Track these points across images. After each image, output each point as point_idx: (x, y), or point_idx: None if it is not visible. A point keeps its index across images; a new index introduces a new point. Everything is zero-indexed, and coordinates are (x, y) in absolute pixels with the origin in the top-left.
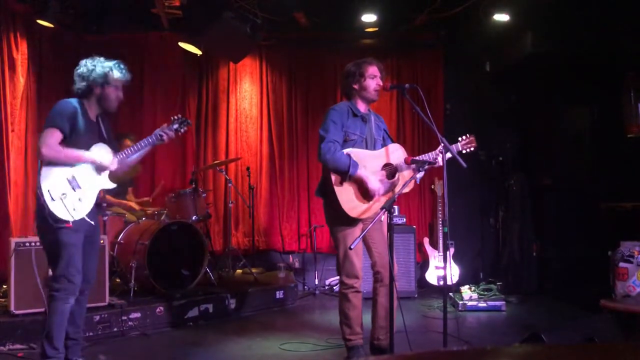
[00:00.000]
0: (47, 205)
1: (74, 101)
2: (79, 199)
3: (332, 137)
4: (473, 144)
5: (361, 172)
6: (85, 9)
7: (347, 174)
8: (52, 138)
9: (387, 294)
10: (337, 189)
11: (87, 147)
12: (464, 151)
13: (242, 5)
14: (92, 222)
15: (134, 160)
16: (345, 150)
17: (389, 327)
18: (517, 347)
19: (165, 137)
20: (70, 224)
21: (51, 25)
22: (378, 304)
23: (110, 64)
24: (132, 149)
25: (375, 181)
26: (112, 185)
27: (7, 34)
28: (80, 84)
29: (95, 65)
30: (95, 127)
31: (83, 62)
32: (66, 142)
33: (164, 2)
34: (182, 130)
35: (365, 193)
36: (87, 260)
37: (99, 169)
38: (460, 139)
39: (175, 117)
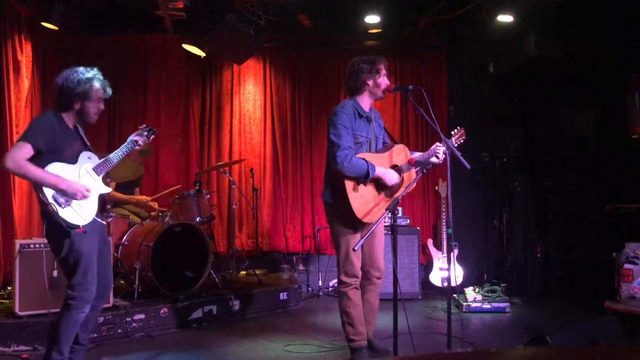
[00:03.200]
0: (57, 213)
1: (50, 115)
2: (80, 204)
3: (346, 143)
4: (463, 136)
5: (378, 170)
6: (89, 12)
7: (367, 177)
8: (20, 152)
9: (373, 290)
10: (350, 195)
11: (75, 157)
12: (456, 144)
13: (246, 7)
14: (103, 222)
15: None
16: (358, 155)
17: (394, 329)
18: (521, 350)
19: (140, 142)
20: (82, 229)
21: (55, 28)
22: (364, 300)
23: (90, 75)
24: (112, 159)
25: (392, 174)
26: (108, 190)
27: (12, 36)
28: (60, 98)
29: (78, 81)
30: (76, 135)
31: (64, 74)
32: (47, 156)
33: (168, 5)
34: (150, 138)
35: (376, 196)
36: (104, 263)
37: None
38: (452, 132)
39: (143, 127)
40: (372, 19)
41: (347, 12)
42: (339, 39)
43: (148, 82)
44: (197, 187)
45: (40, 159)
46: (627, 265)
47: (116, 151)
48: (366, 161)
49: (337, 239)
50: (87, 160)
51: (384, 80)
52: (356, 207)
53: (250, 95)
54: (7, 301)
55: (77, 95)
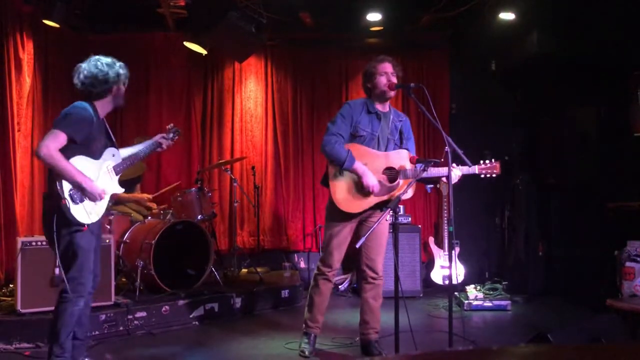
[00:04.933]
0: (70, 209)
1: (88, 106)
2: (95, 203)
3: (337, 130)
4: (495, 171)
5: (358, 166)
6: (90, 9)
7: (342, 166)
8: (56, 142)
9: (372, 290)
10: (331, 181)
11: (100, 152)
12: (481, 175)
13: (248, 5)
14: (101, 223)
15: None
16: (348, 145)
17: (395, 327)
18: (523, 347)
19: (164, 145)
20: (86, 227)
21: (57, 26)
22: (362, 300)
23: (117, 62)
24: (132, 157)
25: (371, 177)
26: (120, 190)
27: (14, 34)
28: (98, 87)
29: (109, 65)
30: (103, 127)
31: (90, 65)
32: (78, 148)
33: (169, 2)
34: (175, 138)
35: (359, 190)
36: (95, 256)
37: (110, 174)
38: (482, 162)
39: (170, 127)
40: (374, 16)
41: (349, 9)
42: (340, 37)
43: (150, 80)
44: (199, 185)
45: (67, 149)
46: (628, 264)
47: (136, 151)
48: (348, 152)
49: (325, 225)
50: (111, 158)
51: (382, 80)
52: (334, 192)
53: (251, 93)
54: (9, 299)
55: (114, 80)
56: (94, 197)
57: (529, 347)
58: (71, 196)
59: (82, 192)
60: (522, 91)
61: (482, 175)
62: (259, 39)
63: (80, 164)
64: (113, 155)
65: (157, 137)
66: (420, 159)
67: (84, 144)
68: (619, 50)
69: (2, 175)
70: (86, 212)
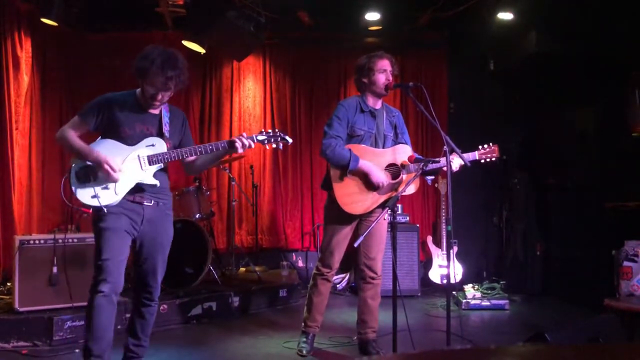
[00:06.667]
0: (71, 187)
1: (125, 92)
2: (104, 187)
3: (335, 133)
4: (494, 154)
5: (363, 164)
6: (89, 8)
7: (347, 167)
8: (69, 124)
9: (370, 289)
10: (335, 184)
11: (135, 139)
12: (482, 160)
13: (246, 4)
14: (146, 204)
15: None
16: (348, 146)
17: (393, 327)
18: (520, 347)
19: (237, 145)
20: (101, 207)
21: (55, 24)
22: (360, 299)
23: (159, 58)
24: (183, 152)
25: (379, 173)
26: (154, 182)
27: (12, 32)
28: (136, 75)
29: (146, 55)
30: (150, 118)
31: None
32: (108, 131)
33: (168, 1)
34: (269, 144)
35: (364, 190)
36: (147, 260)
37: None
38: (480, 147)
39: (266, 131)
40: (372, 16)
41: (347, 9)
42: (339, 37)
43: None
44: (197, 184)
45: (101, 135)
46: (626, 263)
47: (195, 147)
48: (351, 152)
49: (324, 226)
50: (148, 147)
51: (381, 77)
52: (339, 195)
53: (250, 92)
54: (7, 297)
55: (137, 69)
56: (101, 167)
57: (527, 347)
58: (76, 174)
59: (84, 158)
60: (521, 91)
61: (482, 161)
62: (257, 38)
63: (103, 146)
64: (152, 145)
65: (235, 137)
66: (418, 159)
67: (108, 129)
68: (617, 50)
69: (0, 174)
70: (89, 194)
